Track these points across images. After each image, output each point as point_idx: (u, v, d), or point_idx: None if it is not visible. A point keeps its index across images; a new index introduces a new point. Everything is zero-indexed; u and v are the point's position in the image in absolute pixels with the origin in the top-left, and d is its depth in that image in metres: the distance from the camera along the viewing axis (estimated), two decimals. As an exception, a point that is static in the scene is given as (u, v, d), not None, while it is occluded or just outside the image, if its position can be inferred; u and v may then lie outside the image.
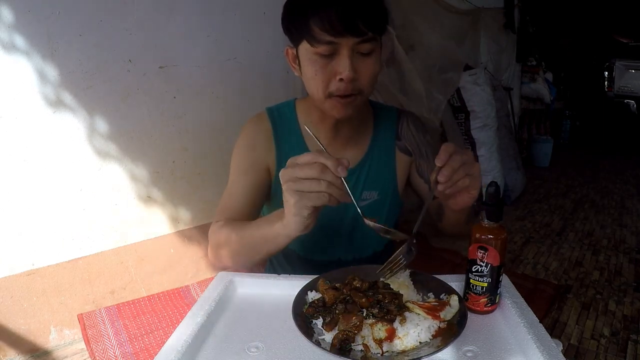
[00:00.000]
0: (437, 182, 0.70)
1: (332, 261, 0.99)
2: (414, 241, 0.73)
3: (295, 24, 0.79)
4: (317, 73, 0.79)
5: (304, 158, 0.65)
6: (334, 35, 0.74)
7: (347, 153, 0.97)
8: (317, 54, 0.78)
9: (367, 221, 0.72)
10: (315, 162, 0.64)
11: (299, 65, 0.84)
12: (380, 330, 0.61)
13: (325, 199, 0.65)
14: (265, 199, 0.98)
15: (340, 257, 1.00)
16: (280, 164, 0.94)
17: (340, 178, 0.64)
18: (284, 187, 0.66)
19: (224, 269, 0.88)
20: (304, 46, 0.79)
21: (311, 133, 0.73)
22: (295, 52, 0.84)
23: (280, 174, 0.66)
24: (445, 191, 0.71)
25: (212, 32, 1.87)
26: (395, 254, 0.73)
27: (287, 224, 0.70)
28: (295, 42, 0.82)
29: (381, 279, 0.74)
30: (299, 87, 2.27)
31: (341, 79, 0.78)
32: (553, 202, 3.94)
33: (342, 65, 0.77)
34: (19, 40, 1.38)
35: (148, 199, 1.81)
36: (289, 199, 0.66)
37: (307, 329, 0.63)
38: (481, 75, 3.33)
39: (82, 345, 1.56)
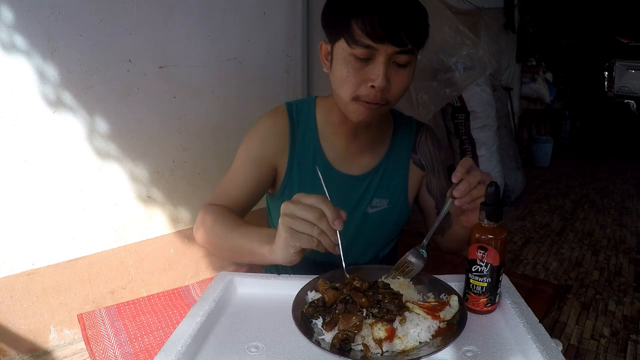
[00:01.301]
0: (453, 198, 0.72)
1: (334, 263, 0.99)
2: (424, 248, 0.75)
3: (336, 20, 0.78)
4: (349, 74, 0.77)
5: (309, 199, 0.66)
6: (374, 40, 0.73)
7: (363, 158, 0.96)
8: (353, 55, 0.76)
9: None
10: (317, 207, 0.65)
11: (331, 62, 0.82)
12: (380, 330, 0.61)
13: (314, 244, 0.66)
14: (263, 194, 0.97)
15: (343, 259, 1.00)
16: (293, 161, 0.93)
17: (336, 230, 0.66)
18: (280, 219, 0.67)
19: (204, 246, 0.89)
20: (341, 45, 0.77)
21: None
22: (329, 48, 0.82)
23: (282, 206, 0.67)
24: (463, 206, 0.73)
25: (212, 32, 1.87)
26: (400, 260, 0.75)
27: (275, 252, 0.71)
28: (333, 38, 0.80)
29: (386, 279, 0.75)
30: (299, 87, 2.27)
31: (372, 86, 0.76)
32: (553, 202, 3.94)
33: (376, 73, 0.75)
34: (19, 40, 1.38)
35: (148, 199, 1.81)
36: (281, 233, 0.68)
37: (307, 329, 0.63)
38: (481, 75, 3.32)
39: (82, 345, 1.56)
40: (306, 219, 0.65)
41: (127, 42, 1.62)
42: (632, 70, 6.29)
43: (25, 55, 1.40)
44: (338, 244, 0.68)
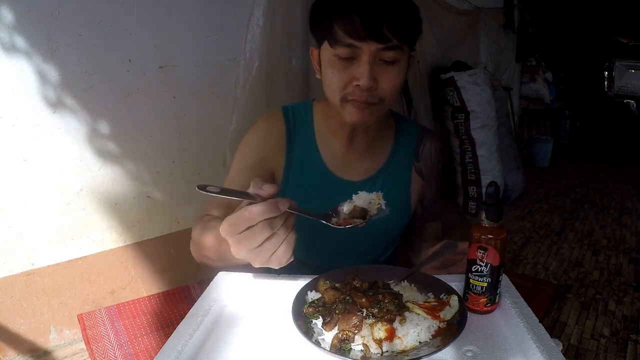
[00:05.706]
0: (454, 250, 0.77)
1: (332, 266, 0.99)
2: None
3: (319, 24, 0.78)
4: (333, 75, 0.77)
5: (241, 222, 0.53)
6: (355, 38, 0.72)
7: (362, 164, 0.93)
8: (337, 56, 0.75)
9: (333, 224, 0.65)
10: (257, 221, 0.52)
11: (320, 66, 0.82)
12: (380, 330, 0.61)
13: (291, 249, 0.55)
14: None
15: (341, 263, 0.99)
16: (290, 167, 0.91)
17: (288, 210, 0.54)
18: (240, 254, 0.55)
19: (201, 262, 0.79)
20: (325, 47, 0.77)
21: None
22: (318, 53, 0.82)
23: (232, 250, 0.55)
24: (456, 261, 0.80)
25: (212, 32, 1.87)
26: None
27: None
28: (319, 42, 0.80)
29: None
30: (299, 87, 2.26)
31: (357, 85, 0.75)
32: (553, 202, 3.94)
33: (360, 72, 0.74)
34: (19, 41, 1.38)
35: (148, 199, 1.81)
36: (254, 264, 0.56)
37: (307, 329, 0.63)
38: (481, 75, 3.33)
39: (82, 345, 1.56)
40: (264, 239, 0.53)
41: (127, 42, 1.62)
42: (632, 70, 6.28)
43: (25, 55, 1.40)
44: (303, 214, 0.57)
